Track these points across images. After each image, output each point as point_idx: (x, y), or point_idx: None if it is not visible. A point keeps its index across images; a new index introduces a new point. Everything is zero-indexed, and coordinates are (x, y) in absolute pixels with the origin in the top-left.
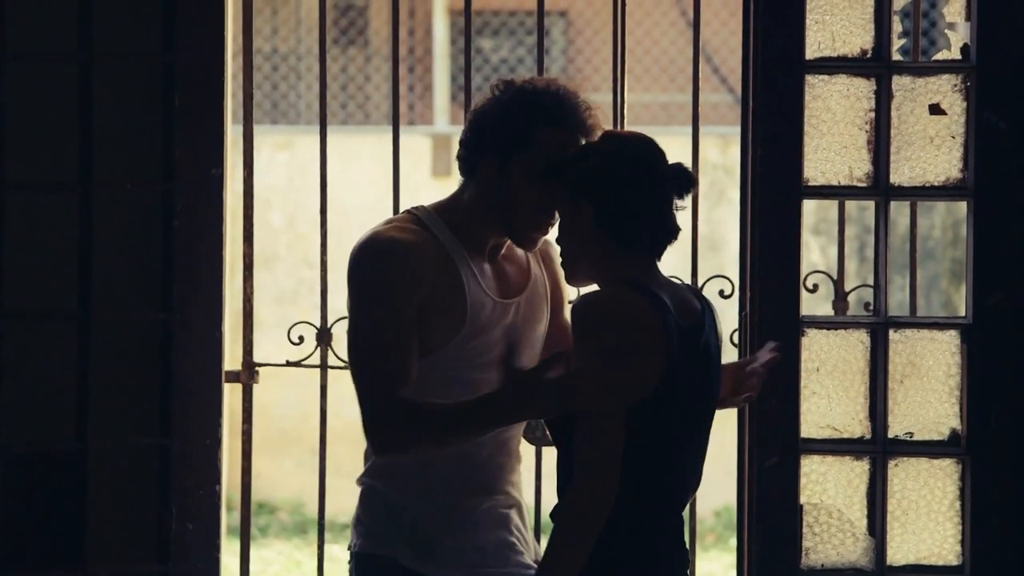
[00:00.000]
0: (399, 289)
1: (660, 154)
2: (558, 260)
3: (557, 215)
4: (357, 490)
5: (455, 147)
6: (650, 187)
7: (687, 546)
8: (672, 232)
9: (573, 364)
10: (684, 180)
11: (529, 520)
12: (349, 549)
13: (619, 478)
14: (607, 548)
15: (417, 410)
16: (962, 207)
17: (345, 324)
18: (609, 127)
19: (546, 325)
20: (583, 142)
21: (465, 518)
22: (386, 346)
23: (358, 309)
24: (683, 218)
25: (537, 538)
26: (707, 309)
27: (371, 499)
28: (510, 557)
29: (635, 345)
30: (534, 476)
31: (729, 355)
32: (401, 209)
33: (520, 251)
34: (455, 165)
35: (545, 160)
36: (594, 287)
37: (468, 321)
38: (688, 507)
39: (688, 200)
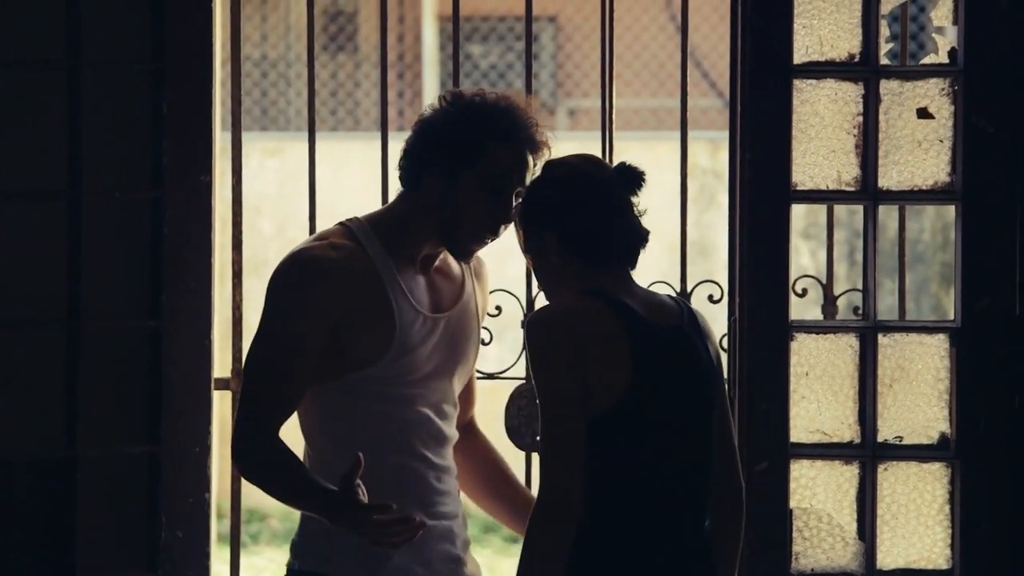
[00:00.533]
0: (308, 310)
1: (602, 166)
2: (489, 277)
3: (504, 233)
4: None
5: None
6: (601, 200)
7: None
8: (640, 238)
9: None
10: (631, 178)
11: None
12: (288, 567)
13: (581, 492)
14: (596, 564)
15: (264, 451)
16: (951, 211)
17: None
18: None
19: (478, 340)
20: (530, 159)
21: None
22: (273, 368)
23: (262, 322)
24: (672, 223)
25: None
26: (688, 311)
27: (311, 518)
28: (456, 572)
29: (584, 356)
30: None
31: None
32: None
33: (454, 265)
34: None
35: (493, 175)
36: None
37: (397, 339)
38: None
39: (640, 197)
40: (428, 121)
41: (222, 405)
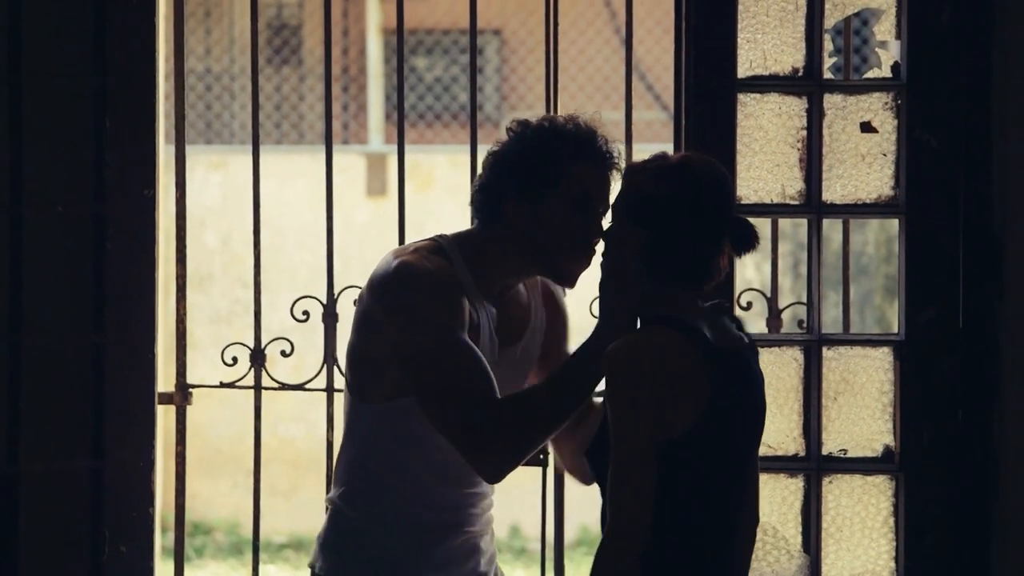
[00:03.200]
0: (458, 310)
1: (728, 195)
2: (560, 292)
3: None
4: (295, 510)
5: (390, 166)
6: (710, 230)
7: None
8: (717, 273)
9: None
10: (745, 238)
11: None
12: (311, 567)
13: (650, 519)
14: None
15: (517, 405)
16: (895, 223)
17: (278, 345)
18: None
19: (534, 367)
20: (610, 176)
21: (435, 552)
22: (471, 359)
23: (426, 334)
24: None
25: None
26: (747, 336)
27: (341, 524)
28: None
29: (666, 384)
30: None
31: None
32: (335, 229)
33: (523, 291)
34: (390, 184)
35: (576, 193)
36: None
37: None
38: None
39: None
40: (499, 153)
41: (166, 419)
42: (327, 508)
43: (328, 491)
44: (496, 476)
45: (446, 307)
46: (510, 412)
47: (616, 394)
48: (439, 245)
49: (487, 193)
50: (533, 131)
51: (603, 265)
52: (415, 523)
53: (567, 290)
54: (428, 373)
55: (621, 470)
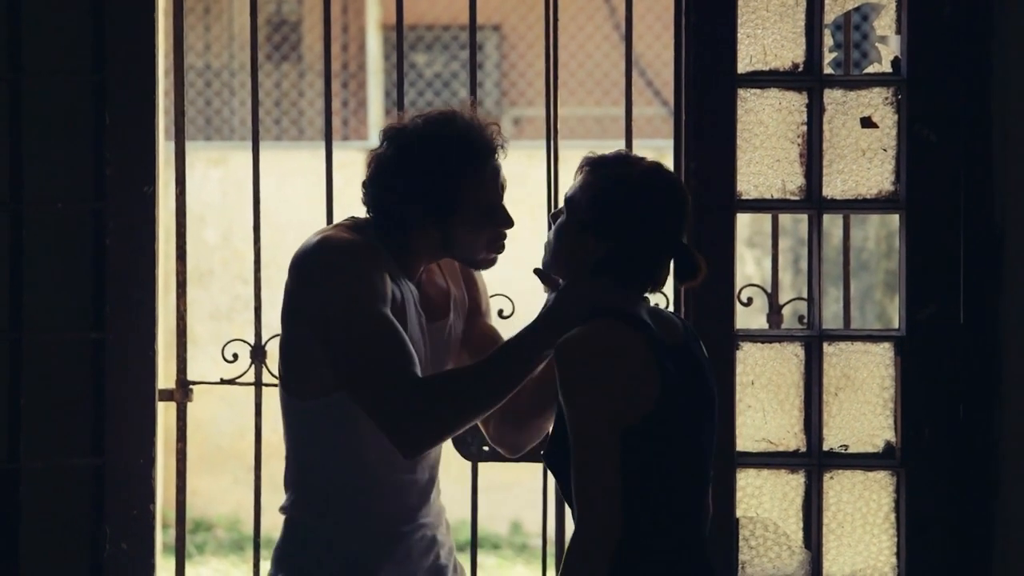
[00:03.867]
0: (377, 285)
1: (686, 212)
2: (483, 285)
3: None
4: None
5: None
6: (666, 246)
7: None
8: (695, 269)
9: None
10: (690, 268)
11: (460, 537)
12: None
13: (619, 505)
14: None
15: (441, 384)
16: (896, 219)
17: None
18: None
19: (456, 348)
20: (500, 161)
21: (396, 545)
22: (390, 333)
23: (344, 308)
24: None
25: (473, 556)
26: (686, 326)
27: (296, 531)
28: None
29: (623, 375)
30: (470, 491)
31: None
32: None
33: (436, 269)
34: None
35: (480, 206)
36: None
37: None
38: None
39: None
40: (381, 165)
41: (167, 416)
42: (283, 516)
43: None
44: (412, 452)
45: (366, 280)
46: (432, 390)
47: (571, 388)
48: (358, 224)
49: (387, 219)
50: (415, 156)
51: (552, 256)
52: (372, 518)
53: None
54: (347, 347)
55: (584, 465)
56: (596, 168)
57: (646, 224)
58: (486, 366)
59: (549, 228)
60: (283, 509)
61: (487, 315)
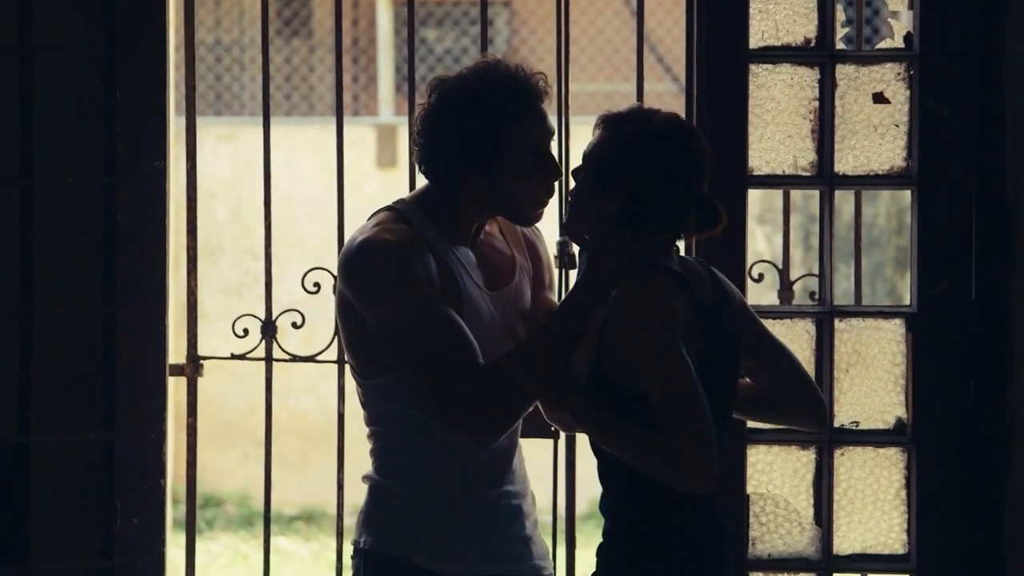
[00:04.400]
0: (422, 279)
1: (704, 159)
2: (541, 240)
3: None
4: (307, 482)
5: (400, 137)
6: (695, 174)
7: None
8: (716, 217)
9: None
10: (709, 217)
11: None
12: (355, 544)
13: (714, 440)
14: (652, 533)
15: (494, 374)
16: (907, 195)
17: (289, 317)
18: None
19: (532, 310)
20: (544, 108)
21: (478, 512)
22: (444, 331)
23: (393, 310)
24: None
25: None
26: (713, 275)
27: (380, 496)
28: (524, 554)
29: (676, 322)
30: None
31: None
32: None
33: (499, 236)
34: (400, 155)
35: (526, 153)
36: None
37: (466, 319)
38: None
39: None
40: (427, 122)
41: (177, 391)
42: (367, 484)
43: (339, 465)
44: (484, 443)
45: (411, 277)
46: (495, 379)
47: (638, 335)
48: (399, 212)
49: (436, 168)
50: (459, 104)
51: (572, 214)
52: (453, 483)
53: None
54: (403, 347)
55: (681, 395)
56: (611, 124)
57: (662, 174)
58: (537, 341)
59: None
60: (366, 477)
61: (550, 289)
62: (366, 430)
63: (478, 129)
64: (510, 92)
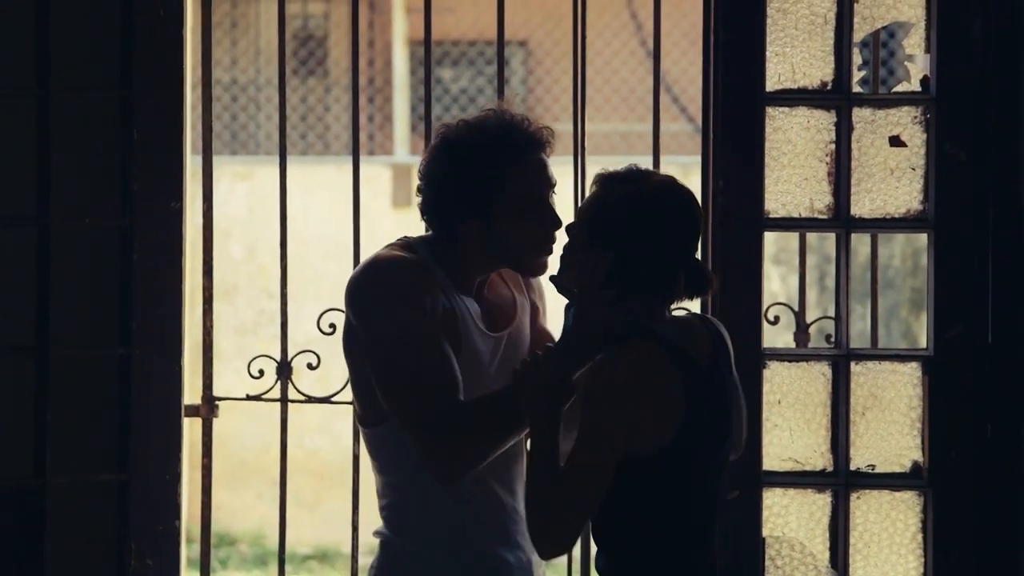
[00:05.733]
0: (422, 305)
1: (689, 193)
2: (540, 290)
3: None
4: (321, 521)
5: (415, 177)
6: (688, 238)
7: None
8: (706, 281)
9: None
10: (698, 283)
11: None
12: None
13: (579, 530)
14: None
15: (474, 411)
16: (922, 237)
17: (304, 358)
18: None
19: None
20: (545, 157)
21: (493, 571)
22: (430, 357)
23: (384, 330)
24: None
25: None
26: (718, 335)
27: (392, 554)
28: None
29: (644, 406)
30: None
31: None
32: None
33: (498, 280)
34: (415, 195)
35: (523, 197)
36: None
37: (464, 357)
38: None
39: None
40: (429, 174)
41: (192, 429)
42: (379, 540)
43: (354, 505)
44: (449, 479)
45: (412, 298)
46: (470, 415)
47: (590, 409)
48: (409, 243)
49: (434, 215)
50: (462, 147)
51: (563, 269)
52: (465, 541)
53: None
54: (387, 367)
55: (575, 481)
56: (607, 182)
57: (653, 237)
58: (512, 393)
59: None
60: (377, 533)
61: (544, 317)
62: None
63: (474, 172)
64: (509, 137)
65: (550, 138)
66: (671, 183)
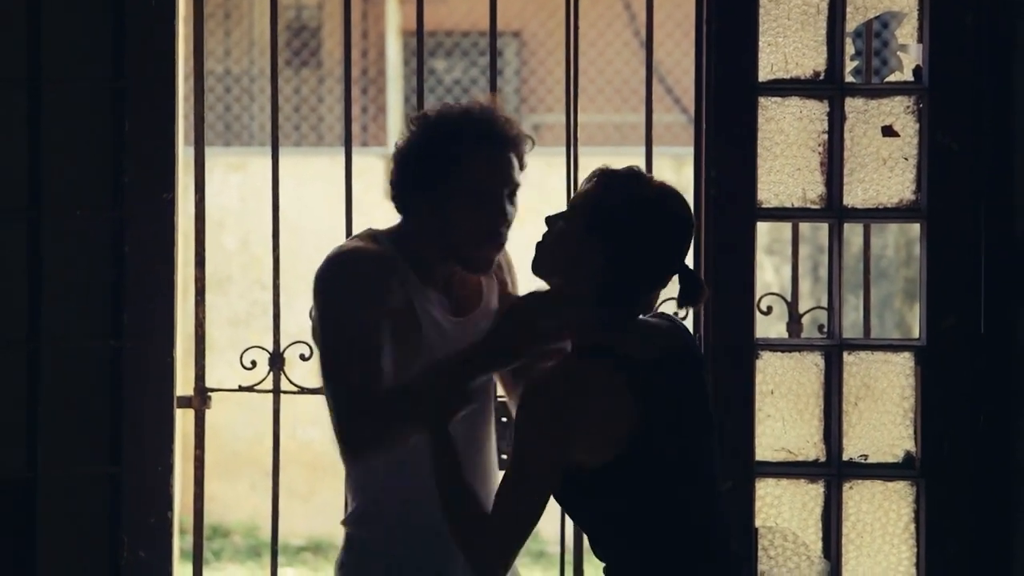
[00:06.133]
0: (369, 298)
1: (690, 238)
2: (513, 265)
3: (506, 228)
4: (314, 512)
5: None
6: (671, 250)
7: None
8: (700, 290)
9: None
10: (693, 293)
11: None
12: None
13: (517, 551)
14: None
15: (386, 401)
16: (915, 227)
17: (297, 349)
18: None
19: None
20: (513, 157)
21: (454, 563)
22: (358, 348)
23: (327, 317)
24: None
25: None
26: (684, 333)
27: (354, 546)
28: None
29: (587, 420)
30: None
31: None
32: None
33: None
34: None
35: (473, 183)
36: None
37: (426, 344)
38: None
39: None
40: (399, 149)
41: (184, 423)
42: (344, 532)
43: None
44: (348, 458)
45: (360, 290)
46: (376, 408)
47: (528, 423)
48: (375, 235)
49: (395, 188)
50: (428, 125)
51: (548, 259)
52: (427, 528)
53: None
54: (324, 354)
55: (512, 496)
56: (608, 178)
57: (652, 237)
58: (424, 388)
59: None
60: (342, 523)
61: (514, 288)
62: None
63: (429, 151)
64: (472, 126)
65: (520, 141)
66: (673, 189)
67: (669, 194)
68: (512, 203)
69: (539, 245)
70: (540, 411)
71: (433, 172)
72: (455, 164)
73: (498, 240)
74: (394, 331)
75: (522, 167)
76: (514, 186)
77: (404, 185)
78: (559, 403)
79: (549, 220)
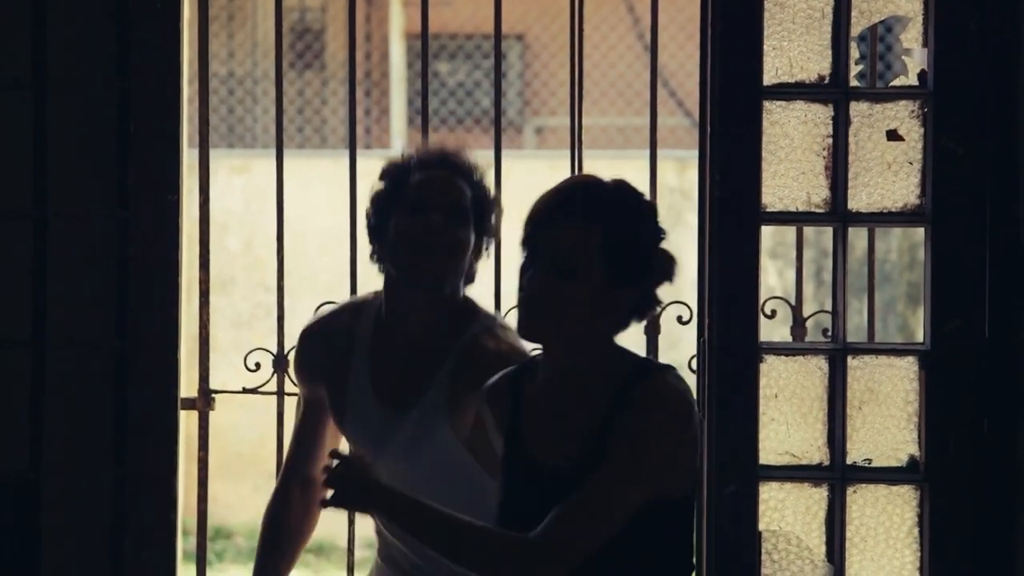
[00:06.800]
0: (301, 375)
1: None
2: (486, 371)
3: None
4: (321, 517)
5: None
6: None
7: None
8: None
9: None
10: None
11: None
12: None
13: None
14: None
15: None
16: (919, 231)
17: None
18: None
19: (452, 440)
20: (455, 179)
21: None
22: (296, 413)
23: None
24: None
25: None
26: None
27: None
28: None
29: (693, 442)
30: None
31: (688, 380)
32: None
33: (437, 349)
34: None
35: (413, 195)
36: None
37: (350, 423)
38: None
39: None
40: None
41: (188, 424)
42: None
43: None
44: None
45: (298, 368)
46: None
47: (653, 436)
48: (367, 297)
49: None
50: (375, 191)
51: (563, 319)
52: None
53: None
54: None
55: (603, 507)
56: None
57: (658, 258)
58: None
59: (522, 285)
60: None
61: (494, 434)
62: None
63: (374, 216)
64: (396, 180)
65: (468, 170)
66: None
67: (646, 202)
68: (457, 223)
69: (533, 303)
70: (676, 421)
71: (374, 228)
72: (383, 218)
73: (429, 250)
74: (328, 391)
75: (486, 211)
76: (455, 207)
77: (370, 228)
78: (690, 416)
79: (530, 274)
